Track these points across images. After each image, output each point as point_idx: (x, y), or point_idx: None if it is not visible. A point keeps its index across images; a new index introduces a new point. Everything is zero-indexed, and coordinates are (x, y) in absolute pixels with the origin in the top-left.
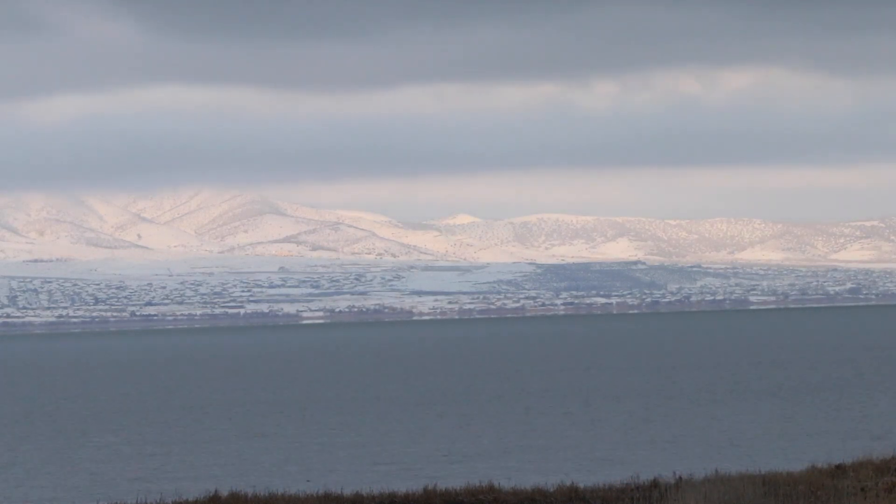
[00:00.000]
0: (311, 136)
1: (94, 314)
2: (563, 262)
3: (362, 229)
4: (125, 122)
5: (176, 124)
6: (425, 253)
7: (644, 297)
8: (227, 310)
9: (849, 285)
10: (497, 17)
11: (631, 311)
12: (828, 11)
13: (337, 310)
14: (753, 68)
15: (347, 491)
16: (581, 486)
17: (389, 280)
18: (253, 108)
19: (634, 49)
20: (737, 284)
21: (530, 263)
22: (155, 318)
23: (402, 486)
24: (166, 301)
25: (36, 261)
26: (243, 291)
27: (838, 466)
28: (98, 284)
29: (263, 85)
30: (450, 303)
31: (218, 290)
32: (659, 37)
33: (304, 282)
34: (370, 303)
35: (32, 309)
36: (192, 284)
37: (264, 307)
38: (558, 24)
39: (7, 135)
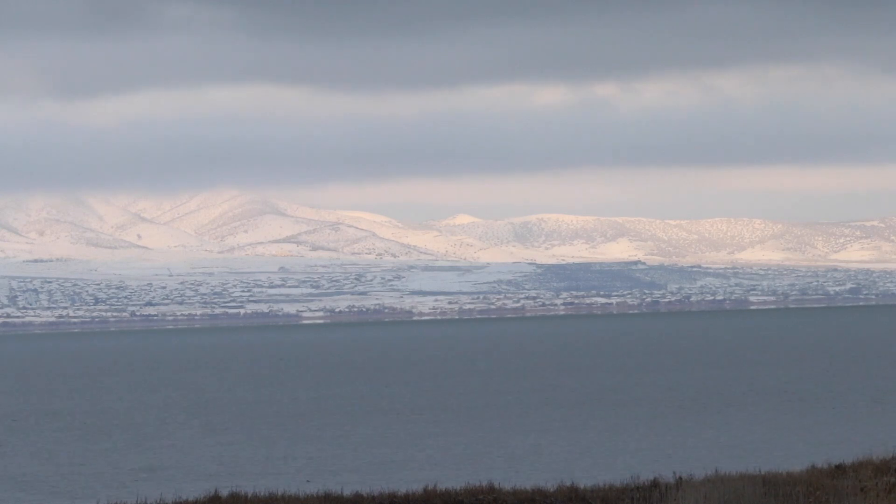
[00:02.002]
0: (313, 136)
1: (94, 314)
2: (563, 262)
3: (362, 229)
4: (159, 125)
5: (199, 126)
6: (425, 253)
7: (644, 297)
8: (227, 310)
9: (849, 285)
10: (497, 20)
11: (631, 311)
12: (830, 7)
13: (337, 310)
14: (754, 70)
15: (347, 491)
16: (581, 486)
17: (389, 280)
18: (264, 107)
19: (636, 50)
20: (737, 284)
21: (530, 263)
22: (155, 318)
23: (402, 487)
24: (166, 301)
25: (36, 261)
26: (243, 291)
27: (838, 466)
28: (98, 284)
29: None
30: (450, 303)
31: (218, 290)
32: (661, 38)
33: (304, 282)
34: (370, 303)
35: (32, 309)
36: (192, 284)
37: (264, 307)
38: (563, 26)
39: (57, 134)
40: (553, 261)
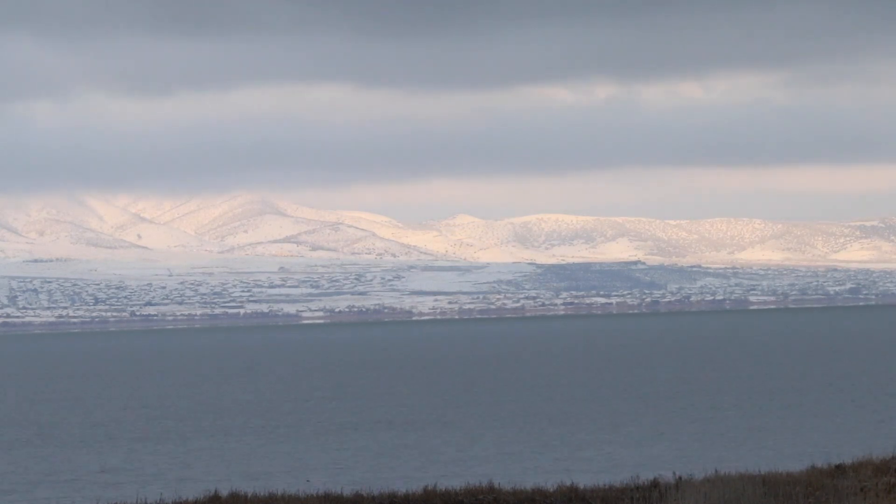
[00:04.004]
0: (313, 135)
1: (94, 314)
2: (563, 262)
3: (362, 229)
4: (174, 127)
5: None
6: (425, 253)
7: (644, 297)
8: (226, 310)
9: (849, 285)
10: (499, 23)
11: (631, 312)
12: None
13: (337, 310)
14: (752, 71)
15: (347, 491)
16: (581, 486)
17: (389, 280)
18: (275, 109)
19: (635, 52)
20: (737, 284)
21: (530, 263)
22: (155, 318)
23: (402, 487)
24: (166, 301)
25: (36, 261)
26: (243, 291)
27: (838, 466)
28: (98, 284)
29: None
30: (450, 303)
31: (218, 290)
32: (665, 39)
33: (304, 282)
34: (370, 303)
35: (32, 309)
36: (192, 284)
37: (264, 307)
38: (567, 27)
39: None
40: (553, 261)
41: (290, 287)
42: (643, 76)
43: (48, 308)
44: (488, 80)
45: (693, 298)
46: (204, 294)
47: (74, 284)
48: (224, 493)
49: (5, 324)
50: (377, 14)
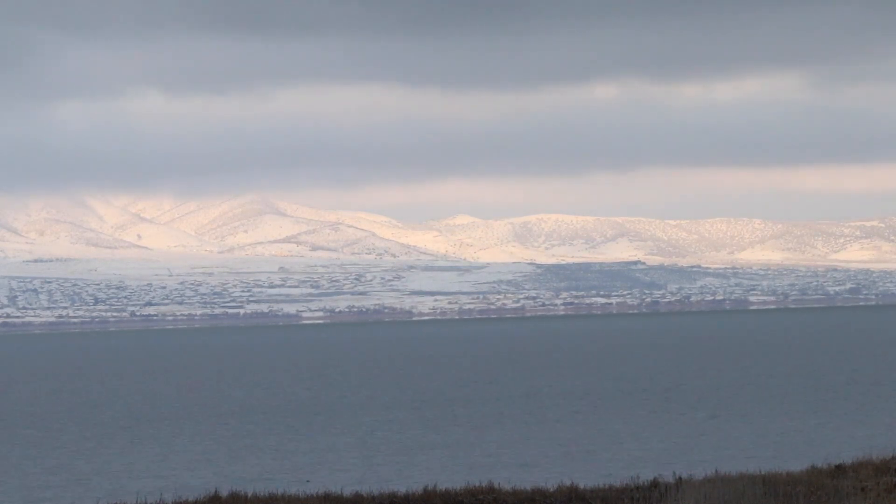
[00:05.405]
0: (313, 136)
1: (94, 314)
2: (563, 262)
3: (362, 229)
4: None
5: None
6: (425, 253)
7: (644, 297)
8: (226, 310)
9: (848, 285)
10: (494, 26)
11: (631, 312)
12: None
13: (337, 310)
14: (755, 72)
15: (347, 491)
16: (581, 486)
17: (389, 280)
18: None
19: (636, 53)
20: (737, 284)
21: (530, 263)
22: (155, 318)
23: (402, 487)
24: (166, 301)
25: (36, 261)
26: (243, 291)
27: (838, 466)
28: (98, 284)
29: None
30: (450, 303)
31: (218, 290)
32: (664, 41)
33: (304, 282)
34: (370, 303)
35: (32, 309)
36: (192, 284)
37: (264, 307)
38: (568, 29)
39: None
40: (553, 261)
41: (290, 287)
42: (645, 78)
43: (48, 308)
44: (489, 81)
45: (693, 298)
46: (204, 294)
47: (74, 284)
48: (224, 493)
49: (5, 324)
50: (375, 14)
